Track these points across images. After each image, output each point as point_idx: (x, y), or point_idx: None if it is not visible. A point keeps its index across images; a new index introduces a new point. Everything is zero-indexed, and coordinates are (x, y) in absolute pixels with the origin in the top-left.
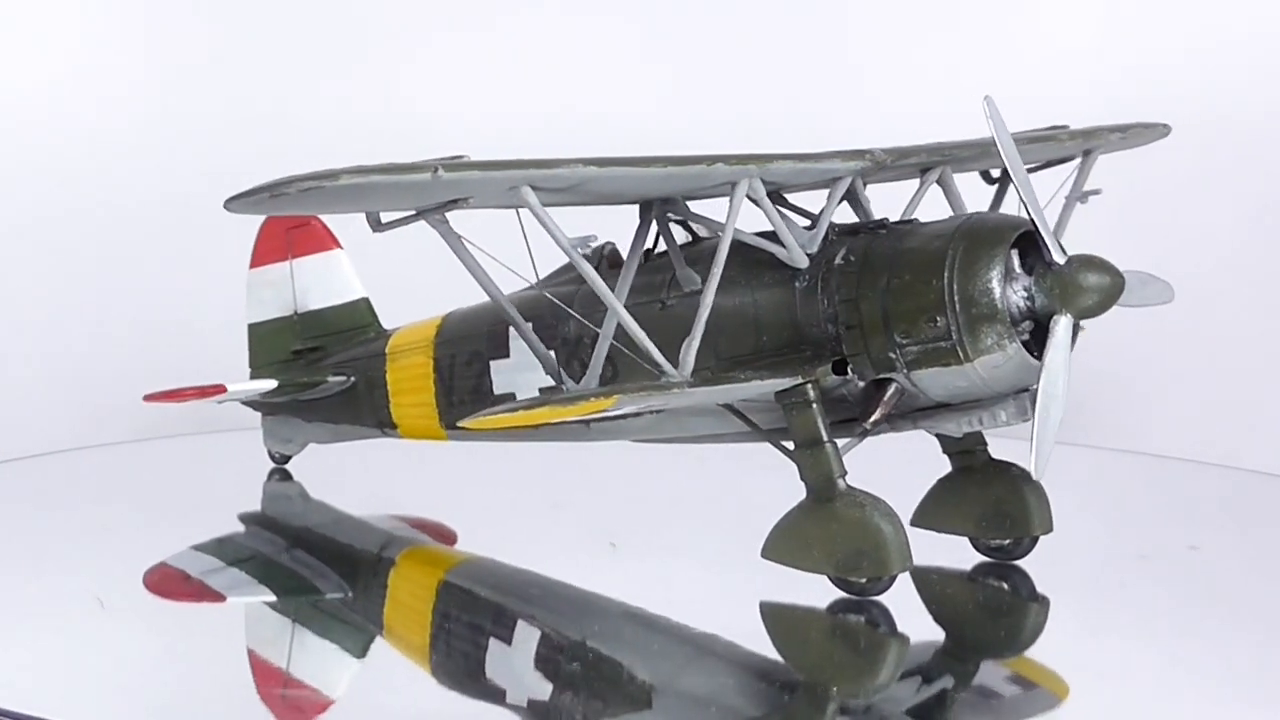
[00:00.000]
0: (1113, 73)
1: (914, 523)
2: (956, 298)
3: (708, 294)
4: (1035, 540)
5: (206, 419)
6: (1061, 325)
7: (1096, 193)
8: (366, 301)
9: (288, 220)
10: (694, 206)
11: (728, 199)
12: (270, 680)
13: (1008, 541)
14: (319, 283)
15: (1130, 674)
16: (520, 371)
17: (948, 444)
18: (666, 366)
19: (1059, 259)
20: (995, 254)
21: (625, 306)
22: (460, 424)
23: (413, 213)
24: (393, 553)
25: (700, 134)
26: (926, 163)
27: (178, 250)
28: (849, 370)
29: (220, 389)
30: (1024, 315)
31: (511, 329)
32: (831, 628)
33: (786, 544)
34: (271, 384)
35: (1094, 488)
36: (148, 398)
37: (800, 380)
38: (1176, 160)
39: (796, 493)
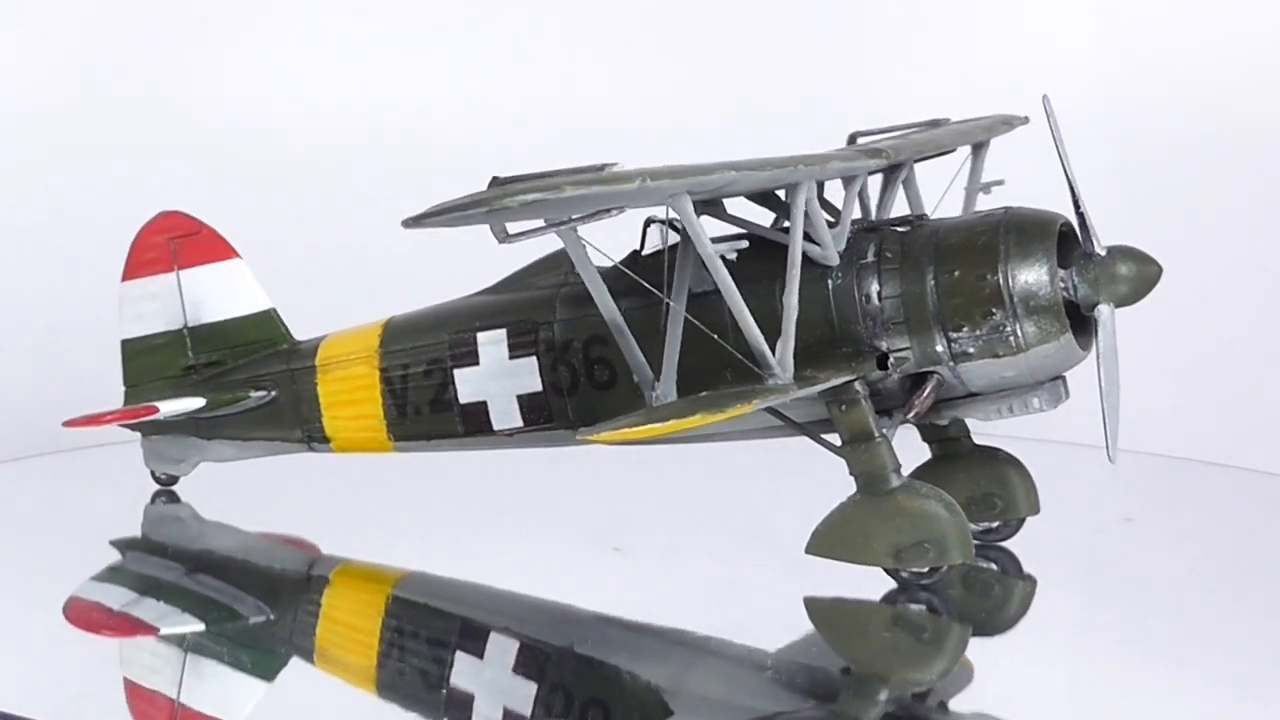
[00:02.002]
0: (1112, 68)
1: None
2: (1014, 291)
3: (790, 295)
4: (1022, 522)
5: (54, 437)
6: (1107, 313)
7: (1000, 183)
8: (273, 312)
9: (171, 229)
10: None
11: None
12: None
13: (996, 524)
14: (216, 294)
15: (1122, 650)
16: (494, 379)
17: (929, 433)
18: (777, 369)
19: (1100, 250)
20: (1047, 246)
21: (625, 309)
22: (592, 437)
23: (541, 224)
24: (324, 571)
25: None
26: (903, 159)
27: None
28: (889, 365)
29: (152, 410)
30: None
31: (480, 335)
32: (892, 618)
33: (840, 538)
34: (200, 402)
35: (1085, 482)
36: (69, 423)
37: (853, 376)
38: (1177, 158)
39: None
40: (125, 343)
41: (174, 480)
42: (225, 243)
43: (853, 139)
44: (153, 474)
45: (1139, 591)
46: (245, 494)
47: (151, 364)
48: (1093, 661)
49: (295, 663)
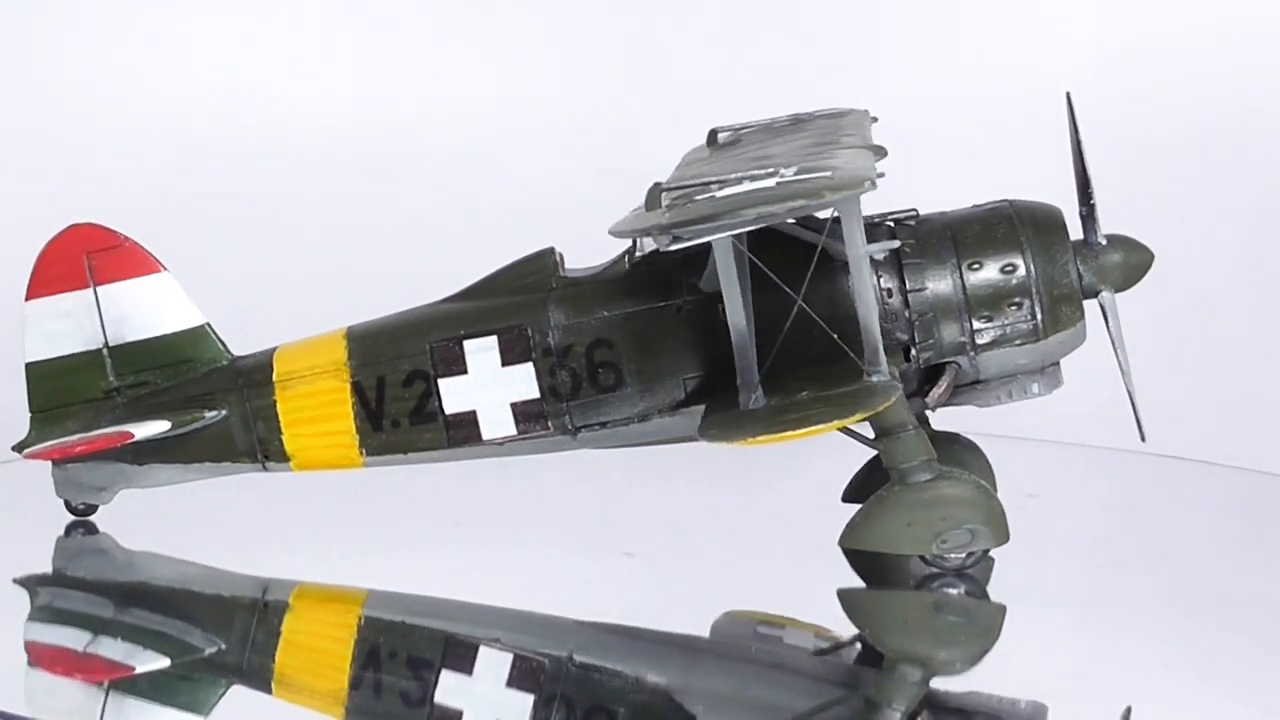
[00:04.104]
0: (1112, 63)
1: (846, 498)
2: (1039, 281)
3: (866, 293)
4: None
5: None
6: (1110, 299)
7: (881, 175)
8: (207, 328)
9: (87, 243)
10: None
11: None
12: None
13: None
14: (141, 311)
15: (1094, 631)
16: (486, 388)
17: None
18: (885, 368)
19: (1101, 240)
20: (1063, 235)
21: (629, 311)
22: (736, 442)
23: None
24: (282, 595)
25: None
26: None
27: None
28: (911, 356)
29: (127, 435)
30: None
31: (467, 343)
32: (934, 604)
33: (879, 529)
34: (165, 424)
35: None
36: (31, 454)
37: (896, 370)
38: (1177, 157)
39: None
40: (30, 365)
41: (92, 509)
42: (150, 256)
43: (713, 135)
44: (68, 504)
45: (1095, 565)
46: (171, 520)
47: (64, 387)
48: (1075, 633)
49: (247, 694)
